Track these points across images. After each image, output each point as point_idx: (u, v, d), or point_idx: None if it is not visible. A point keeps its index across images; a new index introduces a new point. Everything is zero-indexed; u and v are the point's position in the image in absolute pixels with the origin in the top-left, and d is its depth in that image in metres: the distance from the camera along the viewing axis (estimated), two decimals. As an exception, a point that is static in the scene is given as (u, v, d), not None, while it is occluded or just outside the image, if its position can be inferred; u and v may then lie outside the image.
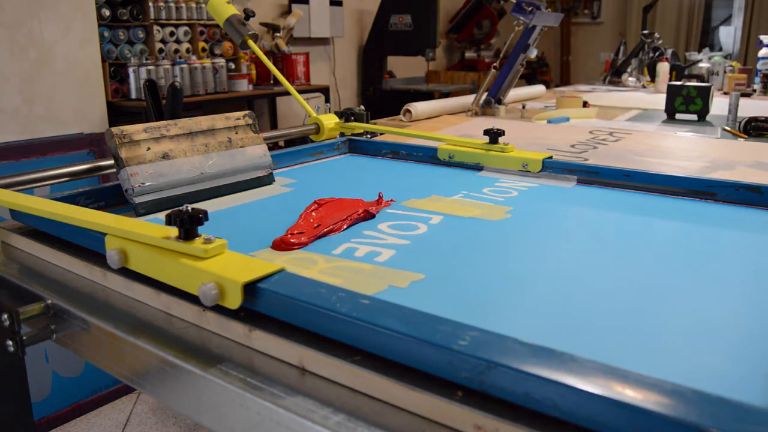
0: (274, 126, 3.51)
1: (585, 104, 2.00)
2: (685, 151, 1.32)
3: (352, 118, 1.15)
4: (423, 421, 0.35)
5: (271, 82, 3.30)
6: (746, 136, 1.49)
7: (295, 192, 0.88)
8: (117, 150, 0.75)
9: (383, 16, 4.00)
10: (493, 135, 1.00)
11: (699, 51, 3.33)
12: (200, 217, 0.49)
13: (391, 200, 0.81)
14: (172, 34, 2.84)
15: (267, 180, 0.90)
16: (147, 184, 0.76)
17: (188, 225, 0.49)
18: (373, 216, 0.75)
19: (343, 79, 4.19)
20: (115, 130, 0.75)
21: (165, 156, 0.79)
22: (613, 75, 3.17)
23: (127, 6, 2.66)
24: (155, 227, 0.52)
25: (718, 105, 1.96)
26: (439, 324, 0.38)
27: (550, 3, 5.65)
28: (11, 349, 0.53)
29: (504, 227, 0.72)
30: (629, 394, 0.30)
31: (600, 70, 4.26)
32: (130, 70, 2.62)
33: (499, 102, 1.87)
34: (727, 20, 5.39)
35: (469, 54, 5.20)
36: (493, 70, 1.86)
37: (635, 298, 0.53)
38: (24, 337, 0.53)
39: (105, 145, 2.37)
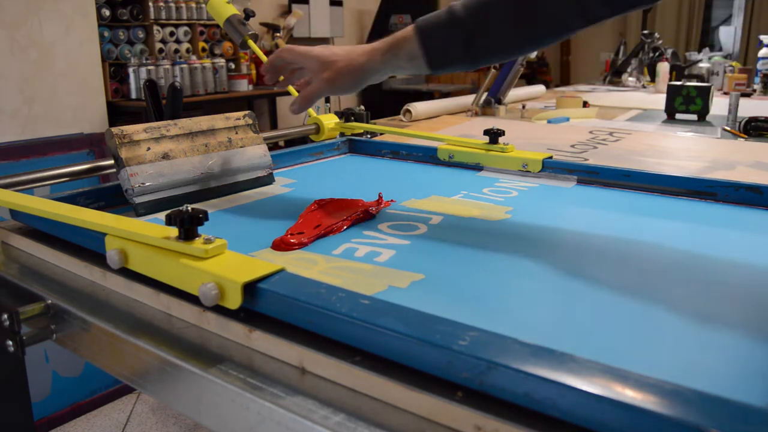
0: (274, 126, 3.52)
1: (585, 104, 2.00)
2: (685, 151, 1.32)
3: (352, 118, 1.15)
4: (423, 421, 0.35)
5: (271, 82, 3.29)
6: (746, 136, 1.49)
7: (295, 192, 0.88)
8: (117, 150, 0.75)
9: (383, 16, 4.00)
10: (493, 135, 1.00)
11: (699, 51, 3.33)
12: (200, 217, 0.49)
13: (391, 200, 0.81)
14: (172, 34, 2.84)
15: (267, 180, 0.90)
16: (147, 184, 0.75)
17: (188, 225, 0.49)
18: (372, 216, 0.74)
19: (343, 79, 4.18)
20: (115, 130, 0.75)
21: (165, 156, 0.78)
22: (613, 75, 3.17)
23: (127, 6, 2.66)
24: (155, 227, 0.52)
25: (718, 105, 1.96)
26: (439, 324, 0.38)
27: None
28: (11, 349, 0.53)
29: (504, 227, 0.72)
30: (629, 394, 0.30)
31: (600, 70, 4.26)
32: (130, 70, 2.62)
33: (499, 102, 1.87)
34: (727, 20, 5.39)
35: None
36: (493, 70, 1.86)
37: (635, 298, 0.53)
38: (24, 337, 0.53)
39: (105, 145, 2.37)
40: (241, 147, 0.87)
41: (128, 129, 0.76)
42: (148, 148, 0.77)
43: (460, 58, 0.71)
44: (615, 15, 0.68)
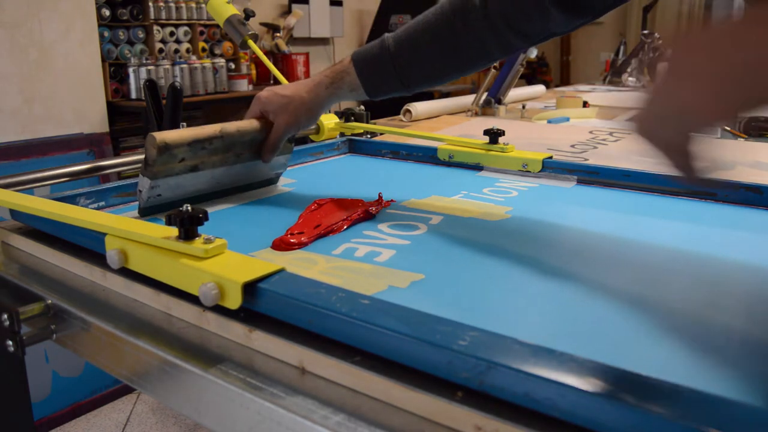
0: (274, 126, 3.51)
1: (585, 104, 2.00)
2: (685, 151, 1.32)
3: (352, 118, 1.15)
4: (423, 421, 0.35)
5: (271, 82, 3.30)
6: (746, 136, 1.49)
7: (295, 192, 0.88)
8: (153, 160, 0.70)
9: (383, 16, 4.00)
10: (493, 135, 1.00)
11: (699, 51, 3.32)
12: (200, 217, 0.49)
13: (391, 200, 0.81)
14: (172, 34, 2.84)
15: (273, 180, 0.89)
16: (163, 195, 0.74)
17: (188, 225, 0.49)
18: (372, 216, 0.74)
19: (343, 79, 4.18)
20: (158, 139, 0.69)
21: (193, 168, 0.75)
22: (613, 75, 3.17)
23: (127, 6, 2.66)
24: (155, 227, 0.52)
25: (718, 105, 1.95)
26: (439, 324, 0.38)
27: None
28: (11, 349, 0.53)
29: (504, 227, 0.72)
30: (629, 394, 0.30)
31: (600, 70, 4.26)
32: (130, 70, 2.62)
33: (499, 102, 1.87)
34: (727, 20, 5.38)
35: (469, 54, 5.18)
36: (493, 70, 1.86)
37: (635, 298, 0.53)
38: (24, 337, 0.53)
39: (105, 145, 2.37)
40: None
41: (171, 140, 0.70)
42: (182, 159, 0.73)
43: (396, 87, 0.79)
44: (532, 45, 0.77)
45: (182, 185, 0.75)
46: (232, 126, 0.78)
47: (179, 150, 0.71)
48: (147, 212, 0.74)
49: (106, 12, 2.58)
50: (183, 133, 0.72)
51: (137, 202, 0.75)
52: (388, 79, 0.78)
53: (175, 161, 0.72)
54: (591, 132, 1.55)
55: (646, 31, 3.06)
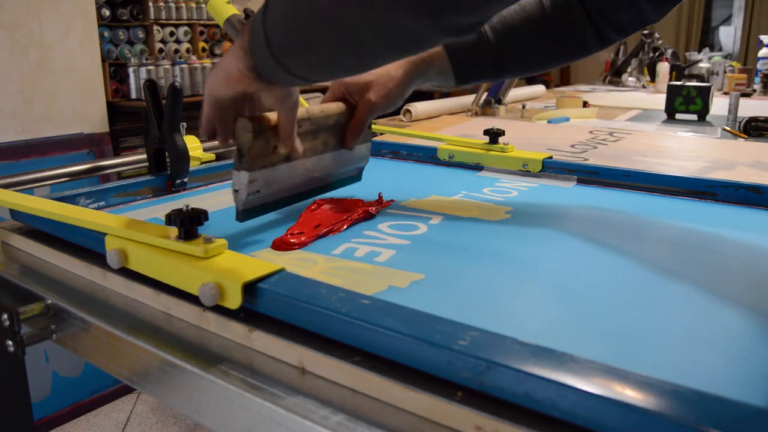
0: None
1: (585, 104, 2.00)
2: (685, 151, 1.32)
3: (352, 118, 1.15)
4: (423, 421, 0.35)
5: (271, 82, 3.29)
6: (746, 136, 1.49)
7: (295, 192, 0.88)
8: (247, 148, 0.62)
9: (383, 16, 3.99)
10: (493, 135, 1.00)
11: (699, 51, 3.33)
12: (200, 217, 0.49)
13: (391, 200, 0.81)
14: (172, 34, 2.84)
15: (356, 177, 0.85)
16: (261, 192, 0.66)
17: (188, 225, 0.49)
18: (372, 216, 0.74)
19: (343, 79, 4.17)
20: (253, 121, 0.61)
21: (287, 158, 0.67)
22: (613, 75, 3.17)
23: (127, 6, 2.66)
24: (155, 227, 0.53)
25: (718, 105, 1.96)
26: (439, 324, 0.38)
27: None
28: (11, 349, 0.53)
29: (504, 227, 0.72)
30: (629, 394, 0.30)
31: (600, 70, 4.25)
32: (130, 70, 2.62)
33: (499, 102, 1.87)
34: (727, 20, 5.40)
35: (469, 54, 5.17)
36: (493, 70, 1.85)
37: (635, 298, 0.53)
38: (24, 337, 0.53)
39: (105, 145, 2.37)
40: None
41: (265, 121, 0.63)
42: (275, 147, 0.65)
43: (490, 74, 0.79)
44: (627, 36, 0.78)
45: (279, 179, 0.67)
46: (316, 108, 0.72)
47: (272, 133, 0.64)
48: (247, 215, 0.66)
49: (106, 12, 2.58)
50: (273, 116, 0.65)
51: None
52: (484, 67, 0.78)
53: (269, 147, 0.64)
54: (591, 132, 1.55)
55: (646, 31, 3.05)
